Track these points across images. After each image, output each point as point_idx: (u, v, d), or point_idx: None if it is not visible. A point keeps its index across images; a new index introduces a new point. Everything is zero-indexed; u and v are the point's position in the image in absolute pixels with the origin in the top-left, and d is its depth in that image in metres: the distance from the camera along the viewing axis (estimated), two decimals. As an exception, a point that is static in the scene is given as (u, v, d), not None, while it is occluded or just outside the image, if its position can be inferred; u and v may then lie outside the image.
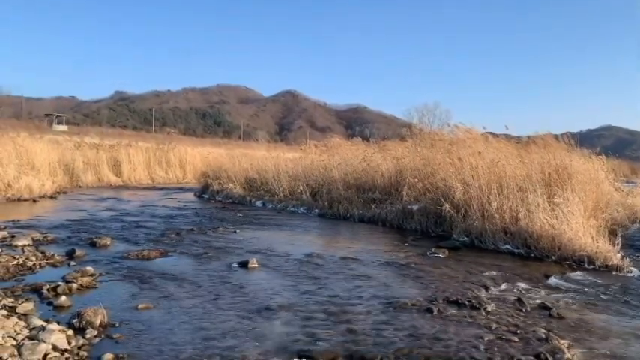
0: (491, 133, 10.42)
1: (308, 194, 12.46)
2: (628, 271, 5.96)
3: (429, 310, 4.12)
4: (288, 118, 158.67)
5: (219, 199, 14.36)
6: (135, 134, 53.77)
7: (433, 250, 6.88)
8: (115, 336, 3.37)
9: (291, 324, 3.72)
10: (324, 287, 4.83)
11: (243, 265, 5.63)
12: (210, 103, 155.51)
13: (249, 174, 15.04)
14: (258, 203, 13.08)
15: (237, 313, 3.94)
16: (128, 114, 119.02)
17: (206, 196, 15.24)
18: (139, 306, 4.03)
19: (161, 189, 18.51)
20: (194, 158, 24.66)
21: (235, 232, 8.21)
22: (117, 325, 3.58)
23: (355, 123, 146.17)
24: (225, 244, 7.02)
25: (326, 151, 15.25)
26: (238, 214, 10.71)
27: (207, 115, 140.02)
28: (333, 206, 11.06)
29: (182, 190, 18.33)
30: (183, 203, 13.16)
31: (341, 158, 13.43)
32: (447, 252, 6.80)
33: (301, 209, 11.74)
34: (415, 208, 9.25)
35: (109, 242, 6.74)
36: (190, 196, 15.90)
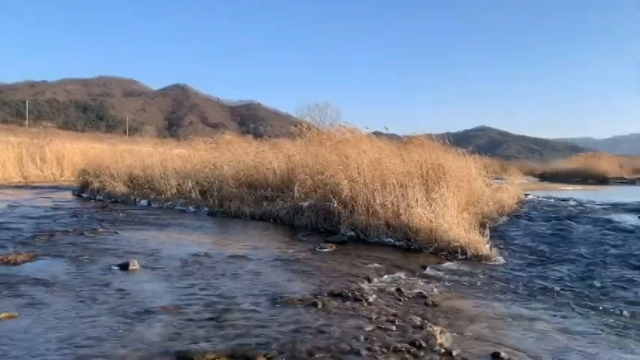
0: (376, 133, 10.90)
1: (197, 192, 12.13)
2: (495, 261, 6.52)
3: (314, 305, 4.21)
4: (179, 112, 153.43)
5: (100, 198, 13.45)
6: (5, 127, 48.83)
7: (321, 245, 7.04)
8: (-32, 351, 3.03)
9: (173, 326, 3.59)
10: (209, 287, 4.73)
11: (123, 267, 5.33)
12: (92, 95, 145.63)
13: (134, 171, 14.28)
14: (144, 202, 12.47)
15: (115, 318, 3.72)
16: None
17: (85, 195, 14.21)
18: (1, 316, 3.66)
19: (35, 187, 16.95)
20: (73, 154, 22.86)
21: (116, 232, 7.75)
22: (-28, 339, 3.22)
23: (249, 120, 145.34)
24: (105, 246, 6.60)
25: (217, 147, 14.93)
26: (120, 214, 10.12)
27: (89, 109, 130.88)
28: (223, 204, 10.87)
29: (59, 188, 16.92)
30: (60, 203, 12.16)
31: (232, 155, 13.24)
32: (334, 247, 6.99)
33: (190, 208, 11.39)
34: (305, 204, 9.38)
35: (-34, 247, 6.04)
36: (68, 194, 14.74)
